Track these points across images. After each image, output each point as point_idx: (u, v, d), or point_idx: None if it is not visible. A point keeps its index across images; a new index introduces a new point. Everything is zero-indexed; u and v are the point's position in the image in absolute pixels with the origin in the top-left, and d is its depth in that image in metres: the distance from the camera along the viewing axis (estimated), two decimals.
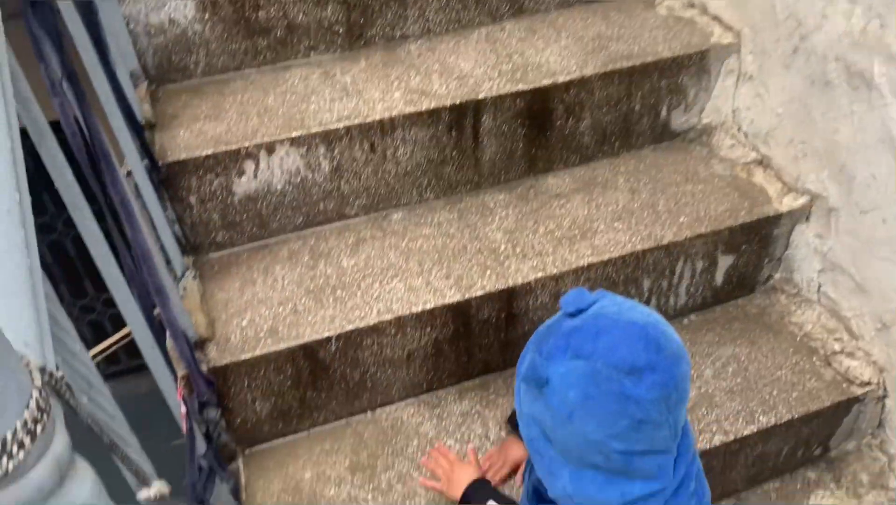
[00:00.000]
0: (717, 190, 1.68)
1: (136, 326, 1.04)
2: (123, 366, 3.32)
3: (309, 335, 1.39)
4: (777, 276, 1.73)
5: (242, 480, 1.43)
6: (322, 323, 1.42)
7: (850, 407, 1.53)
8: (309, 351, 1.40)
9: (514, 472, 1.41)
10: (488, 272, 1.50)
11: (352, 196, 1.62)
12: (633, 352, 0.95)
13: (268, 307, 1.45)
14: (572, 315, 1.04)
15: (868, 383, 1.52)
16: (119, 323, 2.92)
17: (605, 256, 1.52)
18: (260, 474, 1.44)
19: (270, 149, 1.50)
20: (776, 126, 1.65)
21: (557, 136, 1.71)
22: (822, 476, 1.62)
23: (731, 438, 1.45)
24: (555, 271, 1.50)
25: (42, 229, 2.88)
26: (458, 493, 1.32)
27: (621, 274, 1.56)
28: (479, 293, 1.46)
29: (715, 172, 1.74)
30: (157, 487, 0.82)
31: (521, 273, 1.50)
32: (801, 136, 1.58)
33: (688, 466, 1.07)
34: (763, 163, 1.72)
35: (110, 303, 3.10)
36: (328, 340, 1.40)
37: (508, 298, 1.49)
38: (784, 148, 1.64)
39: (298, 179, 1.55)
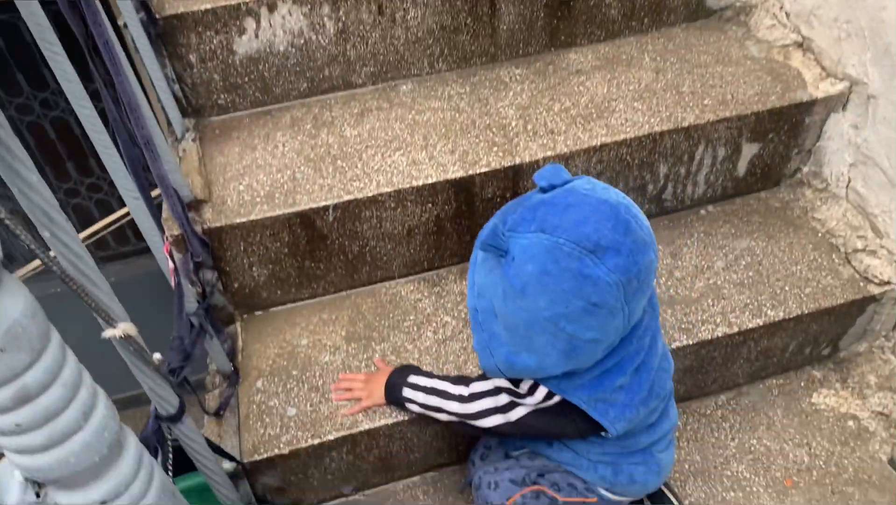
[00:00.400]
0: (748, 73, 1.57)
1: (118, 174, 1.02)
2: (112, 251, 3.35)
3: (306, 203, 1.36)
4: (805, 169, 1.64)
5: (239, 343, 1.44)
6: (320, 192, 1.38)
7: (866, 307, 1.47)
8: (306, 219, 1.37)
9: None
10: (495, 149, 1.44)
11: (358, 63, 1.54)
12: (599, 230, 0.90)
13: (266, 173, 1.42)
14: (544, 190, 0.99)
15: (888, 283, 1.45)
16: (106, 209, 2.93)
17: (621, 137, 1.44)
18: (257, 339, 1.45)
19: (272, 6, 1.42)
20: (821, 4, 1.51)
21: (582, 8, 1.59)
22: (827, 375, 1.58)
23: (735, 330, 1.41)
24: (565, 151, 1.43)
25: (20, 110, 2.83)
26: (381, 396, 1.28)
27: (636, 157, 1.48)
28: (484, 170, 1.40)
29: (749, 54, 1.62)
30: (123, 328, 0.81)
31: (529, 151, 1.43)
32: (846, 14, 1.45)
33: (623, 358, 1.03)
34: (803, 45, 1.59)
35: (95, 188, 3.10)
36: (325, 209, 1.36)
37: (514, 177, 1.43)
38: (827, 28, 1.51)
39: (302, 41, 1.48)
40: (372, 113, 1.53)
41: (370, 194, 1.37)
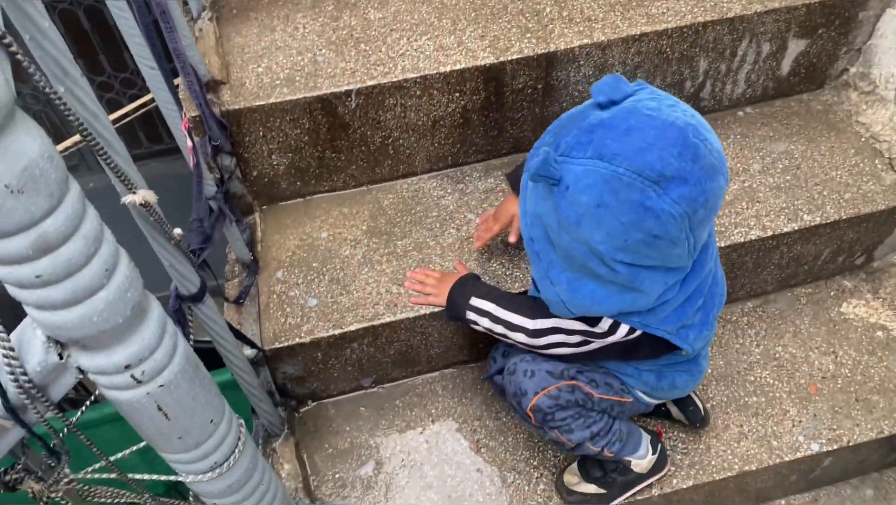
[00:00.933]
0: None
1: (133, 41, 0.96)
2: (144, 149, 3.29)
3: (327, 87, 1.30)
4: (852, 70, 1.55)
5: (258, 233, 1.40)
6: (342, 76, 1.32)
7: None
8: (327, 104, 1.31)
9: (504, 228, 1.28)
10: (528, 35, 1.36)
11: None
12: (664, 158, 0.81)
13: (286, 55, 1.35)
14: (603, 106, 0.89)
15: None
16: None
17: (661, 27, 1.36)
18: (276, 230, 1.41)
19: None
20: None
21: None
22: (858, 285, 1.54)
23: (769, 233, 1.36)
24: (602, 39, 1.35)
25: None
26: (444, 299, 1.23)
27: (676, 50, 1.40)
28: (516, 56, 1.33)
29: None
30: (143, 194, 0.77)
31: (564, 38, 1.35)
32: None
33: (701, 281, 0.98)
34: None
35: (129, 83, 3.00)
36: (348, 93, 1.30)
37: (547, 66, 1.36)
38: None
39: None
40: None
41: (395, 80, 1.30)
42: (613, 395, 1.13)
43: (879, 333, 1.47)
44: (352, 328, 1.27)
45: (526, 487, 1.30)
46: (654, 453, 1.25)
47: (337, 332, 1.27)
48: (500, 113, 1.41)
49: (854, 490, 1.50)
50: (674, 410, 1.33)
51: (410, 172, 1.48)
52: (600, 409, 1.13)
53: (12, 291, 0.60)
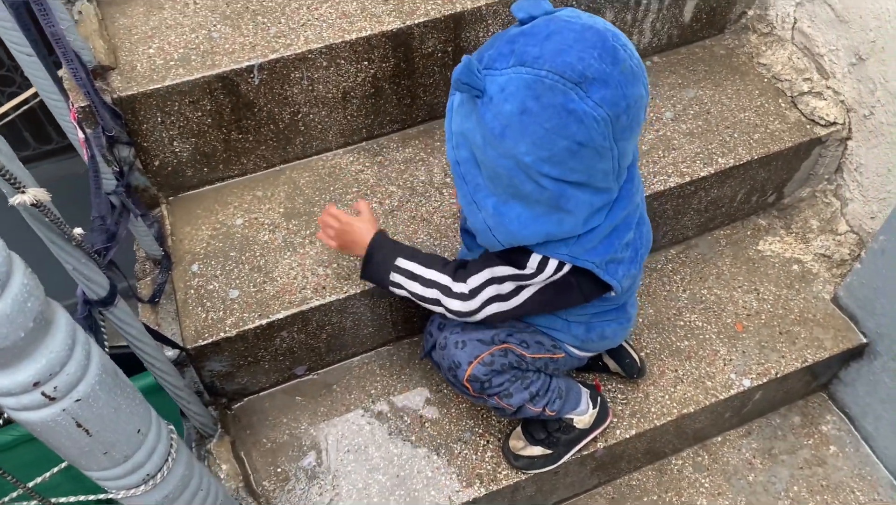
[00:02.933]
0: None
1: (3, 25, 0.86)
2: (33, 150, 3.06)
3: (227, 64, 1.22)
4: (750, 12, 1.58)
5: (167, 226, 1.32)
6: (241, 51, 1.24)
7: (812, 149, 1.47)
8: (228, 82, 1.23)
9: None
10: None
11: None
12: (584, 59, 0.80)
13: (178, 34, 1.26)
14: (523, 22, 0.89)
15: (833, 124, 1.44)
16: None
17: None
18: (187, 221, 1.33)
19: None
20: None
21: None
22: (772, 223, 1.59)
23: (687, 179, 1.38)
24: None
25: None
26: (355, 250, 1.15)
27: (582, 3, 1.39)
28: (423, 19, 1.29)
29: None
30: (34, 193, 0.69)
31: None
32: None
33: (628, 214, 0.97)
34: None
35: (7, 81, 2.77)
36: (249, 69, 1.23)
37: (455, 28, 1.32)
38: None
39: None
40: None
41: (298, 52, 1.24)
42: (545, 353, 1.12)
43: (795, 267, 1.53)
44: (280, 316, 1.22)
45: (474, 457, 1.29)
46: (594, 407, 1.26)
47: (264, 321, 1.21)
48: (412, 80, 1.37)
49: (783, 419, 1.56)
50: (611, 364, 1.34)
51: (325, 148, 1.42)
52: (535, 368, 1.13)
53: None
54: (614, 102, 0.82)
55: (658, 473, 1.48)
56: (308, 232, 1.32)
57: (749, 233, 1.58)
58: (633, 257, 1.02)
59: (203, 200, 1.36)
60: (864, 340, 1.43)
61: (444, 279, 1.08)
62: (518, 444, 1.26)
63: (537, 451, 1.25)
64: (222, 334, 1.19)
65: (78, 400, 0.66)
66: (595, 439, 1.30)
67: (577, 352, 1.17)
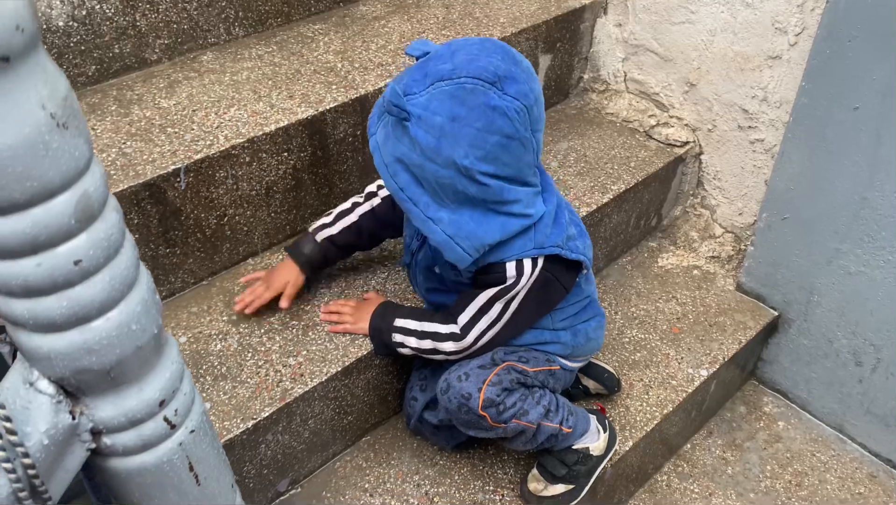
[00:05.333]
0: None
1: None
2: None
3: (152, 172, 1.17)
4: (586, 76, 1.83)
5: None
6: (163, 158, 1.20)
7: (677, 167, 1.69)
8: (156, 190, 1.18)
9: (277, 297, 1.23)
10: (334, 87, 1.38)
11: (151, 35, 1.38)
12: (492, 62, 0.93)
13: None
14: (419, 58, 0.99)
15: (686, 143, 1.68)
16: None
17: None
18: None
19: None
20: None
21: None
22: (661, 243, 1.77)
23: (594, 207, 1.52)
24: None
25: None
26: (366, 324, 1.21)
27: None
28: (332, 105, 1.34)
29: None
30: None
31: (367, 82, 1.40)
32: None
33: (558, 199, 1.08)
34: None
35: None
36: (175, 173, 1.19)
37: (362, 110, 1.39)
38: None
39: (84, 13, 1.28)
40: (181, 84, 1.38)
41: (222, 148, 1.23)
42: (543, 365, 1.15)
43: (695, 272, 1.70)
44: (264, 414, 1.11)
45: None
46: (605, 431, 1.27)
47: (250, 423, 1.10)
48: (328, 167, 1.40)
49: (732, 413, 1.66)
50: (591, 385, 1.37)
51: (251, 253, 1.37)
52: (539, 383, 1.14)
53: (25, 311, 0.43)
54: (525, 95, 0.94)
55: (650, 494, 1.49)
56: (262, 330, 1.24)
57: (646, 255, 1.74)
58: (581, 231, 1.12)
59: None
60: (776, 313, 1.60)
61: (434, 326, 1.11)
62: (538, 486, 1.22)
63: (560, 488, 1.22)
64: None
65: (192, 431, 0.57)
66: (604, 466, 1.29)
67: (568, 363, 1.19)
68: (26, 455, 0.47)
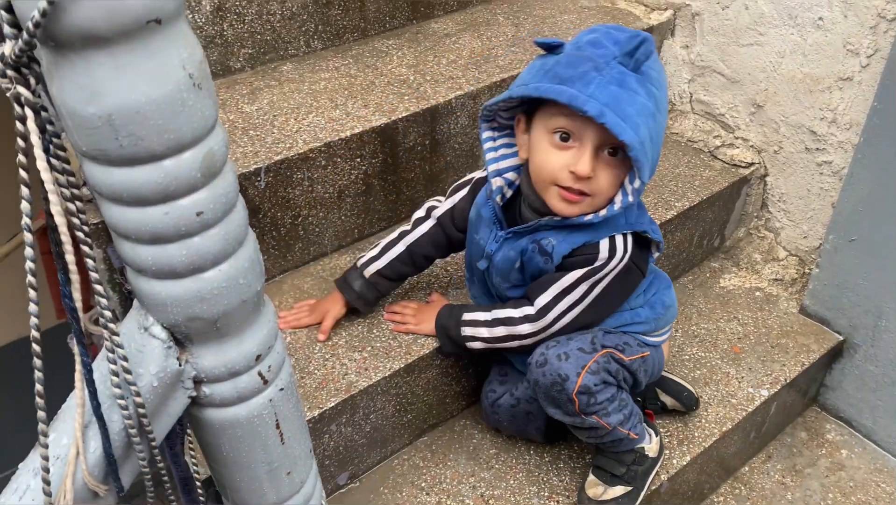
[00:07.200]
0: (591, 17, 1.76)
1: None
2: None
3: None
4: None
5: None
6: (245, 158, 1.27)
7: (741, 188, 1.69)
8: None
9: (314, 323, 1.27)
10: (406, 97, 1.44)
11: (236, 44, 1.46)
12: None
13: None
14: (552, 47, 1.03)
15: (752, 164, 1.68)
16: None
17: (514, 72, 1.53)
18: None
19: None
20: None
21: None
22: (723, 264, 1.76)
23: (658, 223, 1.52)
24: (472, 89, 1.47)
25: None
26: (430, 327, 1.24)
27: None
28: (404, 114, 1.39)
29: (583, 6, 1.82)
30: None
31: (438, 94, 1.45)
32: None
33: None
34: None
35: None
36: (256, 172, 1.25)
37: (432, 120, 1.44)
38: None
39: None
40: (263, 91, 1.45)
41: (300, 151, 1.29)
42: (637, 353, 1.15)
43: (758, 294, 1.69)
44: (330, 404, 1.15)
45: None
46: (656, 435, 1.27)
47: (316, 412, 1.14)
48: (397, 174, 1.45)
49: (792, 438, 1.63)
50: (668, 401, 1.37)
51: (321, 254, 1.43)
52: (629, 381, 1.15)
53: (150, 258, 0.48)
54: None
55: None
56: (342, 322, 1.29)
57: (708, 275, 1.73)
58: (651, 219, 1.16)
59: None
60: (840, 338, 1.57)
61: (506, 312, 1.12)
62: (598, 490, 1.22)
63: (619, 490, 1.22)
64: None
65: (282, 389, 0.61)
66: (658, 473, 1.29)
67: (654, 339, 1.21)
68: (138, 394, 0.51)
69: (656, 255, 1.15)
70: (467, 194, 1.23)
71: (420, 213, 1.28)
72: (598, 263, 1.05)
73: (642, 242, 1.12)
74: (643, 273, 1.12)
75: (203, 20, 1.40)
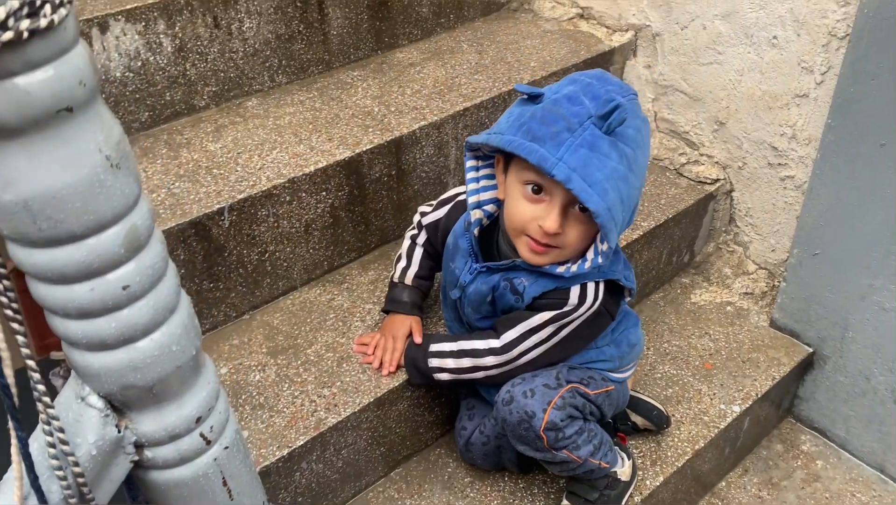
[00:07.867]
0: (553, 41, 1.78)
1: None
2: None
3: (198, 210, 1.25)
4: None
5: None
6: (208, 198, 1.28)
7: (708, 205, 1.71)
8: (201, 228, 1.25)
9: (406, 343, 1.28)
10: (370, 130, 1.45)
11: (200, 83, 1.48)
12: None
13: None
14: (533, 97, 1.03)
15: (717, 180, 1.70)
16: None
17: (478, 100, 1.55)
18: None
19: (103, 26, 1.32)
20: None
21: (398, 7, 1.70)
22: (693, 279, 1.78)
23: (624, 243, 1.54)
24: (435, 119, 1.49)
25: None
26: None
27: (492, 119, 1.59)
28: (368, 147, 1.41)
29: (545, 30, 1.84)
30: None
31: (402, 125, 1.47)
32: None
33: None
34: (584, 15, 1.85)
35: None
36: (220, 212, 1.26)
37: (397, 151, 1.45)
38: None
39: (139, 64, 1.38)
40: (227, 128, 1.46)
41: (264, 189, 1.30)
42: (601, 388, 1.16)
43: (728, 308, 1.70)
44: (299, 443, 1.16)
45: None
46: (629, 458, 1.27)
47: (285, 451, 1.14)
48: (364, 205, 1.46)
49: (768, 451, 1.64)
50: (639, 421, 1.37)
51: (290, 288, 1.43)
52: (596, 414, 1.15)
53: (79, 332, 0.49)
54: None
55: None
56: (299, 362, 1.29)
57: (679, 291, 1.75)
58: (625, 262, 1.16)
59: None
60: (810, 350, 1.59)
61: (472, 343, 1.13)
62: None
63: None
64: None
65: (226, 448, 0.61)
66: (631, 495, 1.30)
67: (618, 376, 1.22)
68: (76, 464, 0.52)
69: (628, 299, 1.16)
70: (447, 214, 1.26)
71: (416, 217, 1.33)
72: (566, 309, 1.06)
73: (615, 288, 1.13)
74: (613, 317, 1.13)
75: (165, 61, 1.41)
